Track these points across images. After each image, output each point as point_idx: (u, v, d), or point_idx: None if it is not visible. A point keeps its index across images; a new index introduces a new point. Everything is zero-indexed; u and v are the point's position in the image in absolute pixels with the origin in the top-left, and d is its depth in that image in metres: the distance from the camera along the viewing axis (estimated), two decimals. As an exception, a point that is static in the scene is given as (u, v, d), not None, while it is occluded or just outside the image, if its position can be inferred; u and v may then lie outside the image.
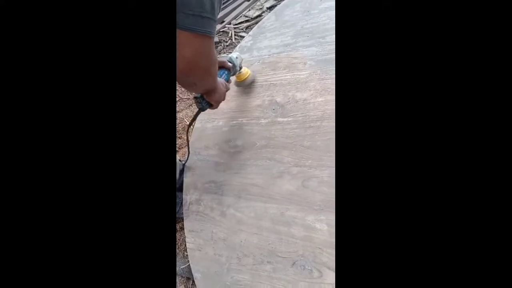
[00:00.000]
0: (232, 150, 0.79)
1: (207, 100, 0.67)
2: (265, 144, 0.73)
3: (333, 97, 0.66)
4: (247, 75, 0.82)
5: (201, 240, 0.73)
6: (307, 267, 0.56)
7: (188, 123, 0.78)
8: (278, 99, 0.76)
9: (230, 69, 0.75)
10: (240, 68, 0.81)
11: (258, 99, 0.81)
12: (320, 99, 0.68)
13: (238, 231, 0.68)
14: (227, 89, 0.73)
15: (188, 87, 0.62)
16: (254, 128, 0.77)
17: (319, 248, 0.56)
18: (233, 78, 0.82)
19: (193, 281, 0.70)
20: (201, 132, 0.87)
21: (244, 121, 0.80)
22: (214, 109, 0.72)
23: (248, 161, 0.74)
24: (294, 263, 0.57)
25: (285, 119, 0.72)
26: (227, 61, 0.74)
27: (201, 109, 0.70)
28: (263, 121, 0.76)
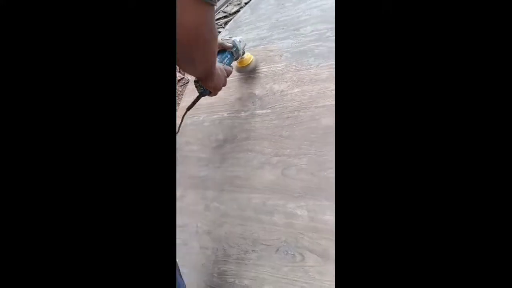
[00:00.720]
0: (214, 144, 0.79)
1: (204, 86, 0.63)
2: (246, 136, 0.74)
3: (309, 87, 0.68)
4: (250, 60, 0.77)
5: (186, 235, 0.74)
6: (290, 252, 0.57)
7: (187, 106, 0.70)
8: (257, 92, 0.77)
9: (233, 53, 0.71)
10: (243, 53, 0.76)
11: (237, 92, 0.81)
12: (297, 90, 0.70)
13: (222, 223, 0.69)
14: (229, 73, 0.69)
15: (186, 64, 0.54)
16: (234, 122, 0.78)
17: (301, 233, 0.58)
18: (234, 63, 0.78)
19: (181, 276, 0.70)
20: (181, 128, 0.87)
21: (224, 115, 0.81)
22: (213, 96, 0.68)
23: (229, 154, 0.75)
24: (278, 249, 0.59)
25: (264, 111, 0.73)
26: (226, 44, 0.70)
27: (202, 94, 0.66)
28: (243, 114, 0.77)
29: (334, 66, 0.66)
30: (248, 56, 0.78)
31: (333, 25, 0.70)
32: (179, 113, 0.95)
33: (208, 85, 0.62)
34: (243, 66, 0.78)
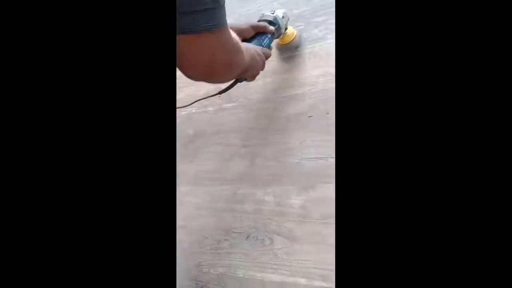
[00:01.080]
0: (184, 140, 0.80)
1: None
2: (215, 130, 0.76)
3: (271, 79, 0.70)
4: (293, 37, 0.66)
5: (162, 231, 0.75)
6: (259, 237, 0.60)
7: (222, 89, 0.62)
8: (223, 86, 0.79)
9: (273, 33, 0.62)
10: (286, 28, 0.65)
11: (204, 87, 0.82)
12: (260, 82, 0.72)
13: (196, 216, 0.71)
14: (267, 56, 0.61)
15: (215, 83, 0.54)
16: (203, 116, 0.79)
17: (269, 218, 0.60)
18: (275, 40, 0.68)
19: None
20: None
21: (193, 110, 0.82)
22: (251, 81, 0.63)
23: (200, 148, 0.77)
24: (248, 236, 0.62)
25: (230, 105, 0.75)
26: (267, 25, 0.61)
27: (238, 81, 0.61)
28: (211, 109, 0.79)
29: (292, 57, 0.69)
30: (291, 32, 0.66)
31: (292, 18, 0.73)
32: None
33: (244, 76, 0.58)
34: (284, 44, 0.67)
